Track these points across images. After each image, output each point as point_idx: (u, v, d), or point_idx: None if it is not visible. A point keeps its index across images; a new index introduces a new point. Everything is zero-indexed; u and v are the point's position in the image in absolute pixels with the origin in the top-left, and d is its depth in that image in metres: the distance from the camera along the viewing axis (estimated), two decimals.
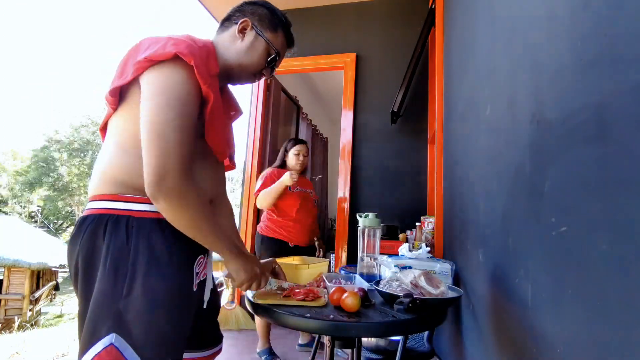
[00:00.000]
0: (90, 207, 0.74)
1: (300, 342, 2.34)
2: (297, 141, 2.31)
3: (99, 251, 0.68)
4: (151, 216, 0.72)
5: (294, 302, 0.87)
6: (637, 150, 0.44)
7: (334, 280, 1.06)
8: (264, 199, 2.12)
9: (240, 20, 0.87)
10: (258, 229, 2.26)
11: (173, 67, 0.71)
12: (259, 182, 2.18)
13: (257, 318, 2.20)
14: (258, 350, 2.17)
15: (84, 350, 0.64)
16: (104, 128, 0.83)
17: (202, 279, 0.81)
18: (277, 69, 0.97)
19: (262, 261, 0.91)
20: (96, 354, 0.62)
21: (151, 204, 0.70)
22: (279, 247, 2.13)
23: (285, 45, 0.94)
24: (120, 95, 0.78)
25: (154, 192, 0.66)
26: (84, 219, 0.73)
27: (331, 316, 0.80)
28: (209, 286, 0.86)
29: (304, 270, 1.14)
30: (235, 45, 0.87)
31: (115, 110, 0.78)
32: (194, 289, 0.77)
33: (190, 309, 0.77)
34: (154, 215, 0.71)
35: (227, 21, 0.90)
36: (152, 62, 0.70)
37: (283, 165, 2.30)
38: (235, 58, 0.86)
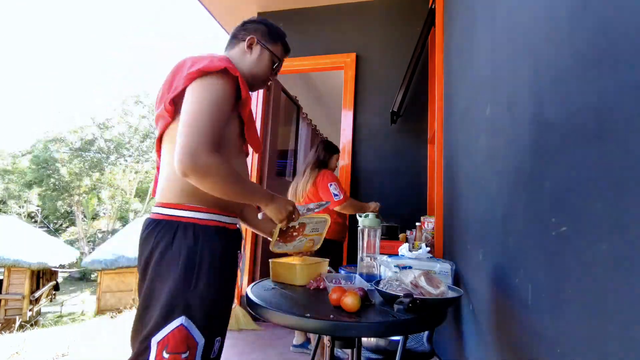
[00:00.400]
0: (160, 212, 0.89)
1: (294, 342, 2.27)
2: (338, 149, 2.45)
3: (170, 252, 0.84)
4: (212, 224, 0.89)
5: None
6: (637, 150, 0.44)
7: (334, 280, 1.06)
8: (351, 209, 2.19)
9: (247, 38, 1.04)
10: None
11: (217, 78, 0.86)
12: (337, 186, 2.18)
13: None
14: (296, 343, 2.19)
15: (157, 328, 0.79)
16: (159, 140, 0.97)
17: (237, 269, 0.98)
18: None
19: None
20: (170, 332, 0.79)
21: (212, 212, 0.89)
22: (337, 248, 2.28)
23: (284, 53, 1.11)
24: (174, 106, 0.91)
25: (184, 168, 0.78)
26: (157, 222, 0.87)
27: (331, 316, 0.80)
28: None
29: (304, 269, 1.14)
30: (246, 59, 1.04)
31: (173, 119, 0.91)
32: (235, 278, 0.96)
33: (233, 297, 0.98)
34: (214, 223, 0.90)
35: (234, 39, 1.07)
36: (202, 74, 0.85)
37: (325, 165, 2.36)
38: (248, 69, 1.03)
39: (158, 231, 0.85)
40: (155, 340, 0.79)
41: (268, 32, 1.06)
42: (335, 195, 2.12)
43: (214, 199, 0.87)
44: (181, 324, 0.79)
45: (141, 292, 0.87)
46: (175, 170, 0.83)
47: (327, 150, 2.32)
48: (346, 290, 0.87)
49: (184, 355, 0.78)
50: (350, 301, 0.83)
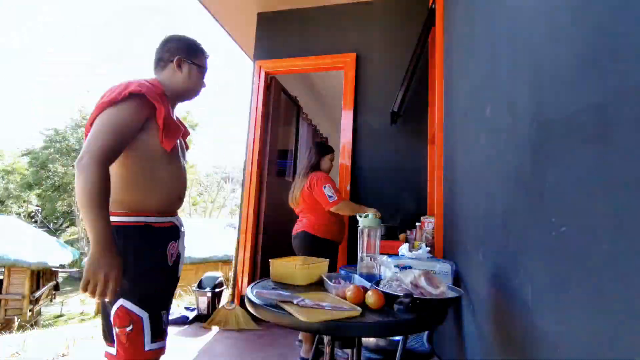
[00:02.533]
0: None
1: (302, 355, 2.14)
2: (333, 149, 2.42)
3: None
4: (131, 224, 1.01)
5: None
6: (637, 150, 0.44)
7: (334, 280, 1.06)
8: (347, 210, 2.17)
9: (175, 59, 1.14)
10: (303, 228, 2.18)
11: (122, 105, 0.97)
12: (331, 188, 2.16)
13: None
14: (303, 355, 2.08)
15: (109, 314, 0.98)
16: None
17: (174, 258, 1.09)
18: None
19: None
20: (114, 312, 0.97)
21: (134, 215, 1.02)
22: (333, 248, 2.22)
23: (205, 58, 1.21)
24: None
25: (75, 164, 0.91)
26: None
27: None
28: (182, 263, 1.16)
29: (304, 270, 1.14)
30: (177, 77, 1.15)
31: None
32: (170, 264, 1.07)
33: (169, 277, 1.09)
34: (133, 223, 1.01)
35: (160, 61, 1.16)
36: (109, 104, 0.96)
37: (317, 167, 2.33)
38: (182, 86, 1.16)
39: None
40: (111, 321, 0.98)
41: (188, 48, 1.17)
42: (330, 197, 2.13)
43: (138, 204, 1.02)
44: (120, 305, 0.97)
45: None
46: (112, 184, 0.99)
47: (319, 153, 2.31)
48: (362, 289, 0.88)
49: (128, 329, 0.96)
50: (373, 299, 0.87)
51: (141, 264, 1.00)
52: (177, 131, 1.10)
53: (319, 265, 1.21)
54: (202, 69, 1.19)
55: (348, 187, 2.72)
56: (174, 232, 1.11)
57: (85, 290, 0.90)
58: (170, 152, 1.07)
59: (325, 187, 2.15)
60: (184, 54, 1.16)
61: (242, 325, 2.64)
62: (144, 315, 0.99)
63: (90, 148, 0.91)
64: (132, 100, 0.99)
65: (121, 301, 0.97)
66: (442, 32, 2.12)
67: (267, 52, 3.12)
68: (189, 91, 1.19)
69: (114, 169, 0.98)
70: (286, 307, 0.83)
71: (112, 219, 0.97)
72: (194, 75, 1.17)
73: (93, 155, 0.90)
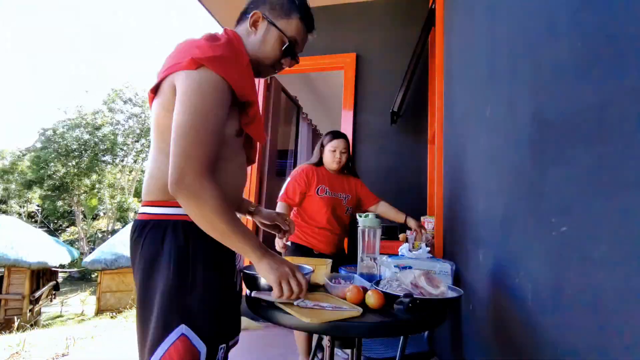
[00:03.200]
0: (147, 212, 0.80)
1: None
2: (334, 135, 1.92)
3: (161, 255, 0.75)
4: None
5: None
6: (637, 150, 0.44)
7: (334, 280, 1.06)
8: (282, 210, 1.84)
9: (251, 14, 0.87)
10: None
11: (211, 72, 0.74)
12: (289, 184, 1.89)
13: (296, 332, 1.88)
14: None
15: (158, 341, 0.71)
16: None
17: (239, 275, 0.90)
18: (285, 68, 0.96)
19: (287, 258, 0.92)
20: (171, 344, 0.71)
21: None
22: (302, 254, 1.85)
23: (303, 29, 0.91)
24: (156, 92, 0.81)
25: (173, 190, 0.71)
26: (145, 223, 0.79)
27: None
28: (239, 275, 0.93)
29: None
30: (250, 40, 0.88)
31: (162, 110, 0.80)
32: (235, 280, 0.87)
33: (236, 297, 0.87)
34: None
35: (243, 14, 0.91)
36: (194, 64, 0.73)
37: (320, 163, 1.96)
38: (251, 52, 0.87)
39: (146, 233, 0.77)
40: (157, 357, 0.71)
41: (280, 3, 0.87)
42: (281, 192, 1.89)
43: None
44: (182, 334, 0.71)
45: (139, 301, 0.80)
46: (159, 166, 0.78)
47: (320, 149, 1.98)
48: (361, 288, 0.89)
49: None
50: (373, 300, 0.86)
51: (212, 273, 0.77)
52: (259, 121, 0.88)
53: (320, 266, 1.21)
54: (284, 37, 0.87)
55: None
56: None
57: (281, 293, 0.76)
58: (240, 140, 0.87)
59: (287, 180, 1.91)
60: (268, 9, 0.87)
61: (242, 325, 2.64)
62: (203, 349, 0.73)
63: (190, 161, 0.70)
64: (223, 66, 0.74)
65: (182, 328, 0.72)
66: (442, 32, 2.12)
67: None
68: (259, 62, 0.88)
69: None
70: (286, 307, 0.83)
71: (171, 210, 0.77)
72: (269, 42, 0.87)
73: (196, 172, 0.70)
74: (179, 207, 0.75)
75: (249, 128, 0.86)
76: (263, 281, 0.87)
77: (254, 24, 0.87)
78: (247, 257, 0.79)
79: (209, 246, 0.77)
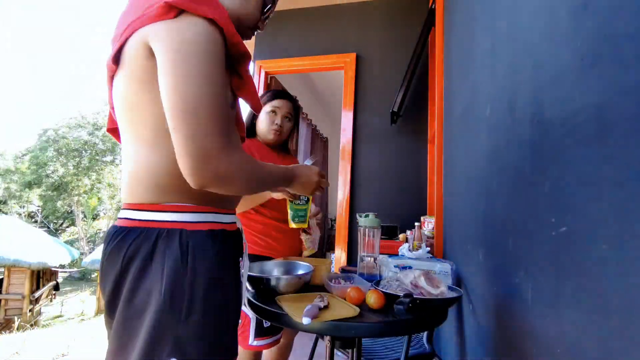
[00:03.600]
0: (130, 217, 0.65)
1: None
2: (276, 93, 1.45)
3: (150, 270, 0.60)
4: (205, 227, 0.65)
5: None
6: (637, 150, 0.44)
7: (334, 280, 1.06)
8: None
9: None
10: None
11: (191, 17, 0.58)
12: None
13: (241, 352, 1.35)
14: None
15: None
16: (112, 121, 0.74)
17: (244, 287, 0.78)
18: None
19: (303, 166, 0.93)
20: None
21: (204, 211, 0.66)
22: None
23: None
24: (117, 63, 0.63)
25: (202, 181, 0.58)
26: (128, 230, 0.64)
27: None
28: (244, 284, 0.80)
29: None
30: None
31: (111, 86, 0.65)
32: (239, 292, 0.72)
33: (236, 316, 0.70)
34: (208, 226, 0.65)
35: None
36: (177, 10, 0.57)
37: (252, 134, 1.47)
38: (231, 8, 0.73)
39: (130, 243, 0.62)
40: None
41: None
42: None
43: (206, 192, 0.62)
44: None
45: (110, 326, 0.64)
46: (143, 160, 0.64)
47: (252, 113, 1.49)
48: (362, 289, 0.90)
49: None
50: (373, 300, 0.87)
51: (213, 296, 0.62)
52: (252, 84, 0.73)
53: (320, 266, 1.21)
54: None
55: (348, 188, 2.72)
56: (239, 242, 0.75)
57: (314, 190, 0.91)
58: (234, 113, 0.73)
59: None
60: None
61: None
62: None
63: (210, 141, 0.56)
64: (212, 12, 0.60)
65: None
66: (442, 32, 2.12)
67: (267, 52, 3.12)
68: (241, 22, 0.76)
69: (153, 131, 0.63)
70: (286, 308, 0.83)
71: (164, 216, 0.63)
72: (251, 1, 0.76)
73: (221, 150, 0.58)
74: (174, 211, 0.63)
75: (242, 92, 0.71)
76: (272, 282, 0.94)
77: None
78: (282, 187, 0.85)
79: (212, 262, 0.63)
